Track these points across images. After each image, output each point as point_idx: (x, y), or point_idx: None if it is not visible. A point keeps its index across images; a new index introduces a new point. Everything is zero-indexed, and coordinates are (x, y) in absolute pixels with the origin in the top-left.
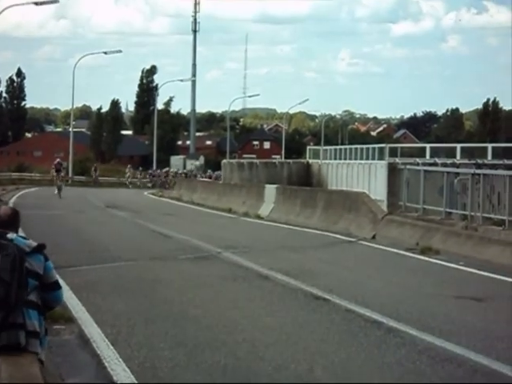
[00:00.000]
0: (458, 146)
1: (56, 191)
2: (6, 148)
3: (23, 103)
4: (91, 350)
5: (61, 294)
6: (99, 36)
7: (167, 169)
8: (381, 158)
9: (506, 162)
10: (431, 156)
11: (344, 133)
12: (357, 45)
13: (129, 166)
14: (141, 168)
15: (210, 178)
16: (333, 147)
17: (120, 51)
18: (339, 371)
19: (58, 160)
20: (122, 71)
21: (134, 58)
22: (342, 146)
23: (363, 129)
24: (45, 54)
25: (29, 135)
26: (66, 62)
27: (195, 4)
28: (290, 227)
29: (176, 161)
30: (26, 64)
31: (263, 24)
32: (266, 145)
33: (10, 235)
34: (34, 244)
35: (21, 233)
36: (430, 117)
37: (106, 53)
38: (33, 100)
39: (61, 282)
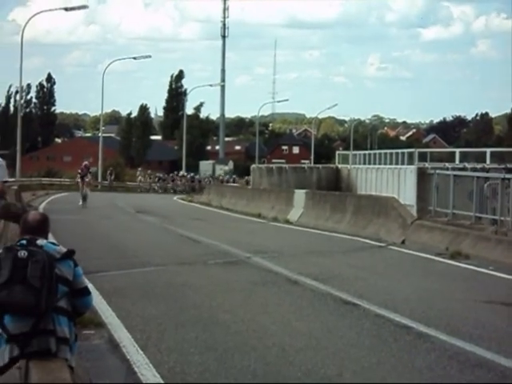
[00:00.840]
0: (488, 150)
1: (80, 201)
2: (36, 153)
3: (53, 109)
4: (121, 355)
5: (90, 300)
6: (129, 42)
7: (176, 172)
8: (410, 162)
9: None
10: (461, 161)
11: (373, 137)
12: (386, 49)
13: (139, 169)
14: (149, 171)
15: (221, 182)
16: (362, 152)
17: (149, 56)
18: (369, 376)
19: (85, 163)
20: (152, 77)
21: (164, 63)
22: (372, 151)
23: (392, 133)
24: (74, 59)
25: (58, 140)
26: (95, 67)
27: (224, 9)
28: (320, 232)
29: (205, 166)
30: (56, 70)
31: (292, 29)
32: (295, 150)
33: (40, 241)
34: (64, 250)
35: (51, 238)
36: (459, 121)
37: (135, 58)
38: (62, 105)
39: (90, 287)
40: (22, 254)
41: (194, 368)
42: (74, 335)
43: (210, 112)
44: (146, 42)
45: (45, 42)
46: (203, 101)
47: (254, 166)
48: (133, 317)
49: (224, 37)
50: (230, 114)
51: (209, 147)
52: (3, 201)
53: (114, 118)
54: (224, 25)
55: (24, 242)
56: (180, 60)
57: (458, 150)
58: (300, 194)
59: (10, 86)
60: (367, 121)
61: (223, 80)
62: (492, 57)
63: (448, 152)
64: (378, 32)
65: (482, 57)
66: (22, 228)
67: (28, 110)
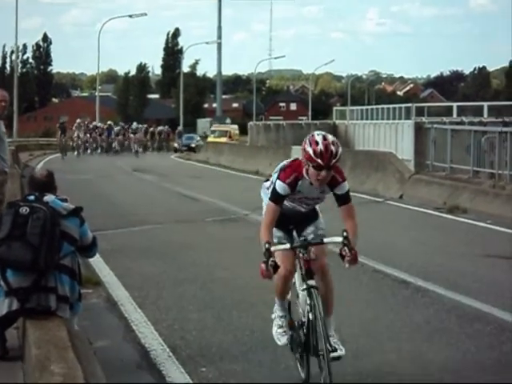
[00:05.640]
0: (485, 104)
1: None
2: (33, 113)
3: (49, 69)
4: (119, 313)
5: (96, 250)
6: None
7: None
8: (407, 117)
9: None
10: (458, 115)
11: (370, 93)
12: (385, 4)
13: (78, 120)
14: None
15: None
16: (359, 107)
17: (145, 14)
18: (367, 331)
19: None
20: (150, 35)
21: (163, 21)
22: (369, 107)
23: (390, 89)
24: (72, 18)
25: (55, 100)
26: (93, 26)
27: None
28: None
29: (202, 123)
30: (53, 29)
31: None
32: (293, 106)
33: (47, 197)
34: (72, 207)
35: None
36: (456, 76)
37: (131, 16)
38: (59, 65)
39: None
40: (24, 210)
41: (192, 325)
42: (77, 294)
43: (208, 70)
44: (144, 0)
45: (42, 0)
46: (199, 58)
47: (251, 123)
48: (131, 275)
49: None
50: (227, 71)
51: (206, 105)
52: None
53: (110, 78)
54: None
55: (32, 197)
56: (178, 17)
57: (455, 104)
58: (298, 151)
59: (4, 46)
60: (364, 76)
61: (220, 37)
62: (491, 10)
63: (445, 106)
64: None
65: (481, 10)
66: (30, 186)
67: (25, 70)
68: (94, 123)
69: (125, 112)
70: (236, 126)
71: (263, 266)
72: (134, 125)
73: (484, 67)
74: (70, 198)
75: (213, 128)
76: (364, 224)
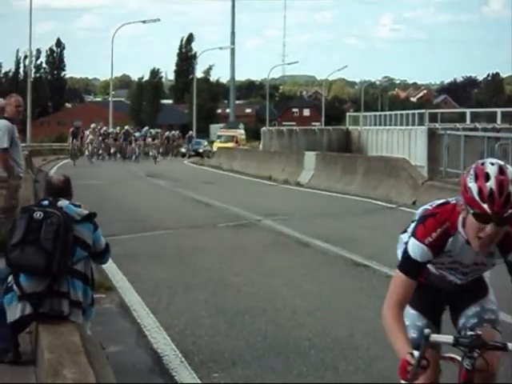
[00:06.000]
0: (499, 110)
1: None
2: (47, 118)
3: (63, 73)
4: (131, 318)
5: (108, 256)
6: (141, 5)
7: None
8: (421, 123)
9: None
10: (471, 121)
11: (384, 99)
12: (399, 10)
13: (92, 125)
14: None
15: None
16: (373, 113)
17: (158, 20)
18: (379, 337)
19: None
20: (163, 40)
21: (175, 26)
22: (382, 113)
23: (403, 95)
24: (86, 23)
25: (69, 105)
26: (107, 31)
27: None
28: (330, 194)
29: (215, 129)
30: (67, 34)
31: None
32: (306, 112)
33: (61, 203)
34: (85, 212)
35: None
36: (470, 82)
37: (144, 22)
38: (72, 70)
39: None
40: (38, 215)
41: (204, 331)
42: (89, 299)
43: (221, 75)
44: (157, 5)
45: (56, 6)
46: (212, 64)
47: (264, 128)
48: (143, 280)
49: None
50: (241, 76)
51: (219, 110)
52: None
53: (123, 83)
54: None
55: (46, 202)
56: (191, 23)
57: (468, 111)
58: (310, 156)
59: (18, 51)
60: (378, 82)
61: (233, 43)
62: (505, 16)
63: (459, 112)
64: None
65: (494, 16)
66: (46, 190)
67: (38, 75)
68: (105, 128)
69: (138, 117)
70: (243, 131)
71: (411, 359)
72: (145, 130)
73: (497, 73)
74: (83, 204)
75: (219, 133)
76: (377, 230)
